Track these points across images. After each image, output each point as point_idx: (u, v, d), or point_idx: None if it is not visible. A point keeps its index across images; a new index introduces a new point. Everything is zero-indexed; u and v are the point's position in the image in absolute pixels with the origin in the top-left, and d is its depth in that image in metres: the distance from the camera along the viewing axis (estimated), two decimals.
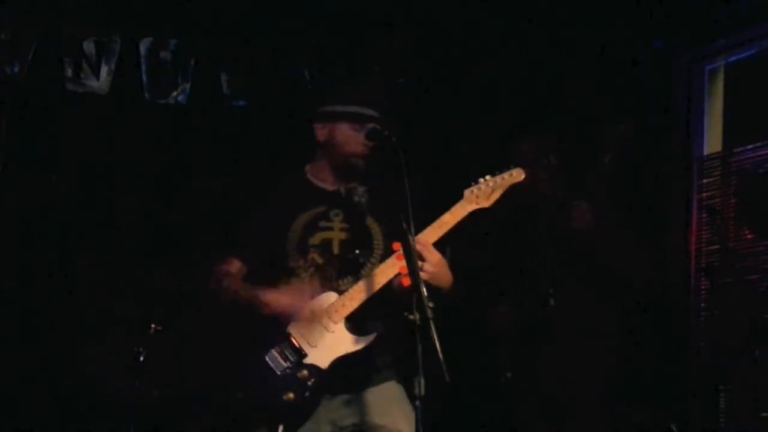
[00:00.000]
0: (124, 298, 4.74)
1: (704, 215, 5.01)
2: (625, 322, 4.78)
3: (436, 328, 2.78)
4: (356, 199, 3.48)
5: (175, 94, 5.18)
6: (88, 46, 5.04)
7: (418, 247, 3.16)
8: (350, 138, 3.44)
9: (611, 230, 4.68)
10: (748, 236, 4.83)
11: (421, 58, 5.43)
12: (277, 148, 5.09)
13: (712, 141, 5.20)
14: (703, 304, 5.00)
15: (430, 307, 2.83)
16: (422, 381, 2.77)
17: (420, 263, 3.17)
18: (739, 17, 4.91)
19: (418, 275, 2.90)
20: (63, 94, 5.00)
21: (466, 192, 3.37)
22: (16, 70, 4.90)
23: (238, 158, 5.16)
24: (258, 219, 3.49)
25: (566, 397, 4.58)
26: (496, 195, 3.39)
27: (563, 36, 5.29)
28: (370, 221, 3.47)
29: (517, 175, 3.44)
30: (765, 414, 4.27)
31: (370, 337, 3.26)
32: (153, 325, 4.56)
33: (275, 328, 3.27)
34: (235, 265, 3.46)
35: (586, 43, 5.26)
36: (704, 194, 5.10)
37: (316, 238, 3.41)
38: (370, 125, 3.38)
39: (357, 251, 3.39)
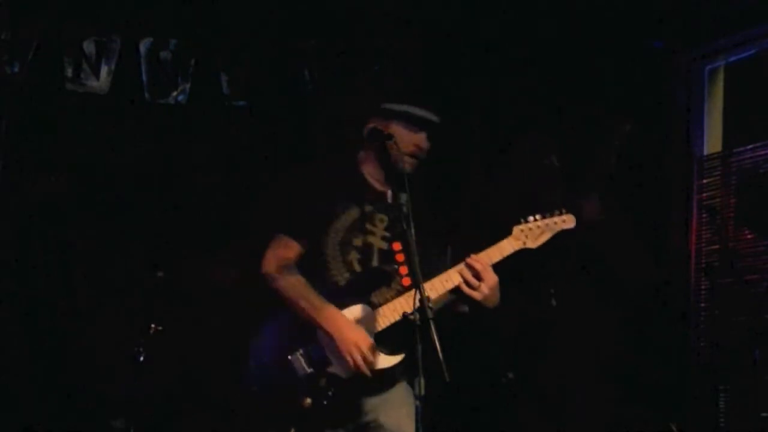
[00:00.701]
0: (124, 298, 4.74)
1: (704, 215, 5.01)
2: (625, 322, 4.79)
3: (436, 328, 2.77)
4: (402, 209, 3.31)
5: (175, 94, 5.18)
6: (88, 46, 5.04)
7: (478, 266, 3.18)
8: (404, 138, 3.34)
9: (612, 230, 4.68)
10: (748, 236, 4.83)
11: (422, 57, 5.43)
12: (277, 148, 5.10)
13: (712, 141, 5.20)
14: (703, 304, 5.00)
15: (430, 308, 2.82)
16: (422, 381, 2.77)
17: (477, 283, 3.18)
18: (739, 17, 4.91)
19: (418, 275, 2.90)
20: (63, 94, 5.00)
21: (515, 229, 3.32)
22: (16, 70, 4.90)
23: (237, 158, 5.16)
24: (310, 201, 3.38)
25: (566, 396, 4.59)
26: (545, 238, 3.34)
27: (563, 36, 5.29)
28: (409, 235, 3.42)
29: (569, 221, 3.37)
30: (765, 414, 4.27)
31: (398, 358, 3.22)
32: (153, 325, 4.56)
33: (304, 331, 3.23)
34: (293, 249, 3.36)
35: (587, 43, 5.26)
36: (704, 194, 5.10)
37: (360, 240, 3.34)
38: (370, 125, 3.38)
39: (394, 266, 3.32)
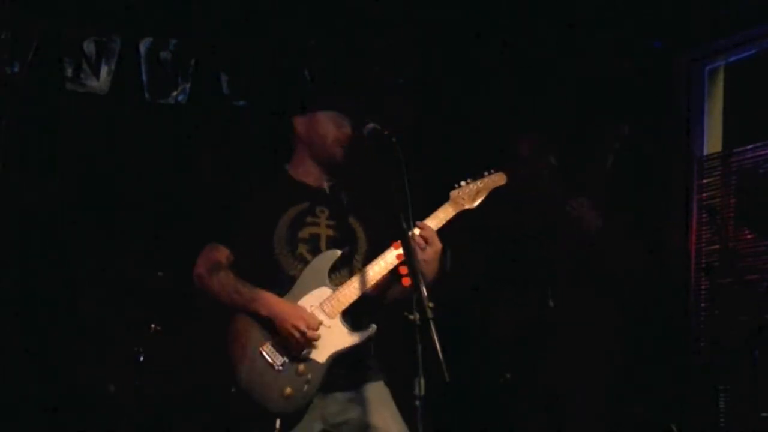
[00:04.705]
0: (124, 298, 4.74)
1: (704, 215, 5.01)
2: (625, 322, 4.78)
3: (436, 328, 2.78)
4: (341, 198, 3.53)
5: (175, 94, 5.19)
6: (88, 46, 5.04)
7: (424, 233, 3.25)
8: (331, 127, 3.49)
9: (611, 230, 4.68)
10: (748, 236, 4.83)
11: (421, 58, 5.43)
12: (277, 148, 5.09)
13: (712, 141, 5.20)
14: (703, 304, 5.00)
15: (430, 307, 2.83)
16: (422, 381, 2.77)
17: (423, 245, 3.24)
18: (739, 17, 4.91)
19: (418, 275, 2.90)
20: (63, 94, 5.00)
21: (452, 193, 3.46)
22: (16, 70, 4.90)
23: (238, 158, 5.16)
24: (247, 212, 3.48)
25: (566, 396, 4.59)
26: (481, 197, 3.49)
27: (563, 36, 5.29)
28: (352, 221, 3.51)
29: (499, 179, 3.54)
30: (765, 414, 4.27)
31: (368, 332, 3.30)
32: (153, 325, 4.56)
33: (271, 322, 3.27)
34: (223, 253, 3.45)
35: (587, 43, 5.26)
36: (704, 194, 5.10)
37: (305, 232, 3.42)
38: (370, 125, 3.38)
39: (346, 248, 3.41)
